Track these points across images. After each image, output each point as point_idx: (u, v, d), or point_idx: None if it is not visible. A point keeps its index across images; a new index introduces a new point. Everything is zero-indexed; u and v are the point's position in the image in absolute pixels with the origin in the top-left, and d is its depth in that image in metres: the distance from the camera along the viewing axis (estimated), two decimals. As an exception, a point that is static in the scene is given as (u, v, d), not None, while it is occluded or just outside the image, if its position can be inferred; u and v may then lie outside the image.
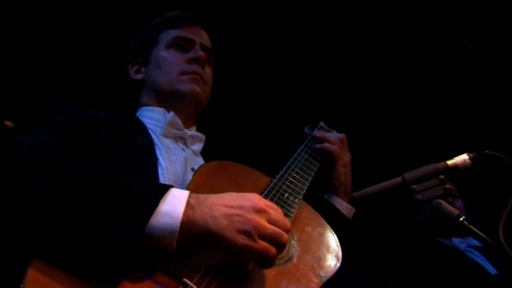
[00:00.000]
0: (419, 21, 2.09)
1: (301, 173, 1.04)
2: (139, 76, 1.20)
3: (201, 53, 1.16)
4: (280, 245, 0.70)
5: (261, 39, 2.10)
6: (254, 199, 0.72)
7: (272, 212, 0.72)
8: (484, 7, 1.96)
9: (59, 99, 0.96)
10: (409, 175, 0.78)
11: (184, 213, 0.67)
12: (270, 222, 0.70)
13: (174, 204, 0.67)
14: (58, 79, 1.80)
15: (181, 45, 1.18)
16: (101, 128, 0.93)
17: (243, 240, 0.67)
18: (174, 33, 1.19)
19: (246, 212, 0.69)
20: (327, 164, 1.17)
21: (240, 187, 0.89)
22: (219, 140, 1.28)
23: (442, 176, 0.76)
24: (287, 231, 0.72)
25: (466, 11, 2.01)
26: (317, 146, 1.18)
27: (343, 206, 1.12)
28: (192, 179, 0.86)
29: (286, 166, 1.04)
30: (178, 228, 0.65)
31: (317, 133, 1.22)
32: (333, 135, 1.21)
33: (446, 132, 2.14)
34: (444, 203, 0.74)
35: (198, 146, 1.15)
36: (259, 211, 0.70)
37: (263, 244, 0.68)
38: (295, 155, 1.11)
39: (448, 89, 2.14)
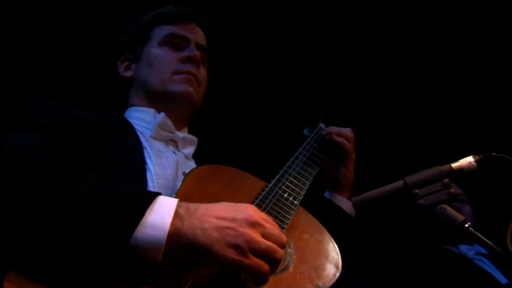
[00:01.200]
0: (420, 21, 2.12)
1: (298, 177, 1.05)
2: (128, 73, 1.20)
3: (196, 52, 1.16)
4: (274, 262, 0.70)
5: (258, 38, 2.11)
6: (249, 211, 0.72)
7: (267, 225, 0.72)
8: (484, 7, 1.99)
9: (38, 99, 0.95)
10: (411, 179, 0.78)
11: (172, 224, 0.66)
12: (264, 236, 0.70)
13: (162, 214, 0.67)
14: (35, 76, 1.76)
15: (175, 43, 1.17)
16: (85, 130, 0.92)
17: (233, 255, 0.66)
18: (167, 29, 1.19)
19: (239, 225, 0.69)
20: (334, 160, 1.18)
21: (234, 193, 0.90)
22: (212, 143, 1.28)
23: (446, 179, 0.76)
24: (282, 246, 0.72)
25: (466, 11, 2.04)
26: (335, 138, 1.16)
27: (345, 204, 1.14)
28: (182, 184, 0.86)
29: (283, 170, 1.05)
30: (164, 242, 0.65)
31: (330, 128, 1.21)
32: (348, 130, 1.21)
33: (449, 134, 2.16)
34: (448, 209, 0.74)
35: (190, 149, 1.15)
36: (253, 224, 0.70)
37: (255, 260, 0.67)
38: (292, 158, 1.11)
39: (450, 89, 2.16)
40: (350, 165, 1.17)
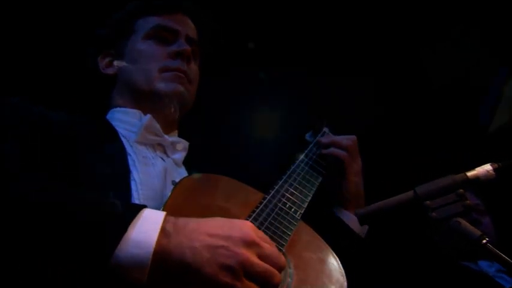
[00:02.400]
0: (422, 21, 2.14)
1: (300, 187, 1.04)
2: (110, 70, 1.17)
3: (186, 47, 1.13)
4: (270, 287, 0.68)
5: (255, 34, 2.12)
6: (245, 228, 0.71)
7: (265, 245, 0.71)
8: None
9: (10, 99, 0.93)
10: (422, 189, 0.77)
11: (158, 242, 0.65)
12: (261, 257, 0.69)
13: (146, 230, 0.66)
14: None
15: (163, 36, 1.15)
16: (61, 134, 0.91)
17: (225, 278, 0.65)
18: (154, 21, 1.16)
19: (233, 244, 0.67)
20: (335, 172, 1.15)
21: (229, 206, 0.89)
22: (205, 148, 1.27)
23: (461, 190, 0.75)
24: (281, 269, 0.71)
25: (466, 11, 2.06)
26: (323, 151, 1.16)
27: (355, 223, 1.10)
28: (170, 196, 0.85)
29: (283, 180, 1.04)
30: (149, 262, 0.64)
31: (324, 138, 1.20)
32: (344, 138, 1.19)
33: (464, 139, 2.16)
34: (463, 222, 0.73)
35: (180, 155, 1.12)
36: (250, 244, 0.69)
37: (249, 285, 0.66)
38: (293, 167, 1.10)
39: (460, 90, 2.17)
40: (351, 177, 1.14)
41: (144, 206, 0.71)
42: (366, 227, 1.12)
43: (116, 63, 1.16)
